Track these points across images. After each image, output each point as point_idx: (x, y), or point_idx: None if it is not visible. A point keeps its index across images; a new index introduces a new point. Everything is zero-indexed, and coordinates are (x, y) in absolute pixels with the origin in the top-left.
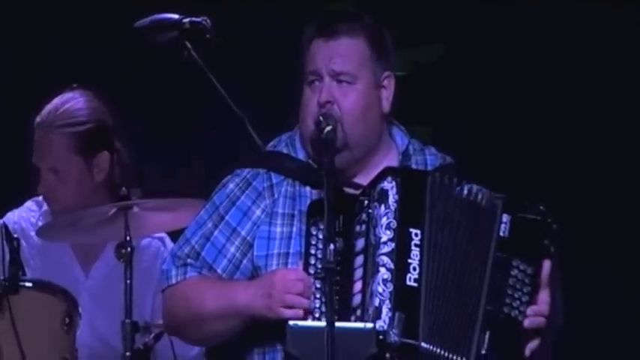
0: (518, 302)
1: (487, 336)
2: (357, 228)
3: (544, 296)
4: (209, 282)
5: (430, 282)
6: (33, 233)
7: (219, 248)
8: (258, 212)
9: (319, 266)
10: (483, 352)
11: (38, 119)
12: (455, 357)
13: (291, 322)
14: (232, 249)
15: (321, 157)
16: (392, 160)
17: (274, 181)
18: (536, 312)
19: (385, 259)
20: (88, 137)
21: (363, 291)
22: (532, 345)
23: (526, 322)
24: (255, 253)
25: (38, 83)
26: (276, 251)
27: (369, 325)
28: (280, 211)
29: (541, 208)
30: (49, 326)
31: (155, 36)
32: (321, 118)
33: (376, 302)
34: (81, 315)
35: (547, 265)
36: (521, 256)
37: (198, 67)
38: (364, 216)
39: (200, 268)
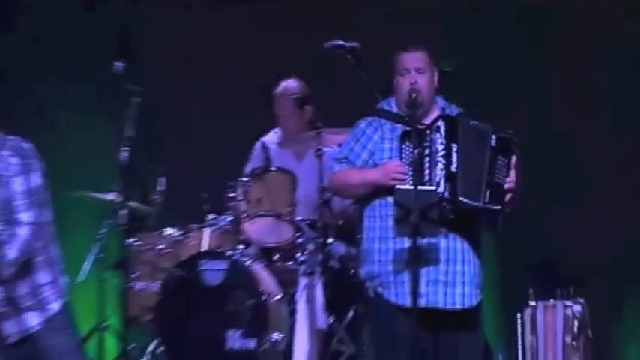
0: (501, 176)
1: (488, 192)
2: (425, 144)
3: (513, 175)
4: (354, 169)
5: (463, 169)
6: (274, 145)
7: (357, 155)
8: (375, 138)
9: (409, 161)
10: (486, 200)
11: (276, 91)
12: (475, 203)
13: (397, 187)
14: (364, 156)
15: (412, 110)
16: (436, 111)
17: (383, 122)
18: (510, 180)
19: (440, 158)
20: (301, 99)
21: (430, 174)
22: (508, 197)
23: (505, 185)
24: (375, 158)
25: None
26: (386, 157)
27: (432, 187)
28: (387, 136)
29: (510, 132)
30: (283, 188)
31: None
32: (413, 93)
33: (437, 178)
34: (297, 185)
35: (514, 158)
36: (501, 154)
37: (352, 66)
38: (428, 139)
39: (348, 164)
